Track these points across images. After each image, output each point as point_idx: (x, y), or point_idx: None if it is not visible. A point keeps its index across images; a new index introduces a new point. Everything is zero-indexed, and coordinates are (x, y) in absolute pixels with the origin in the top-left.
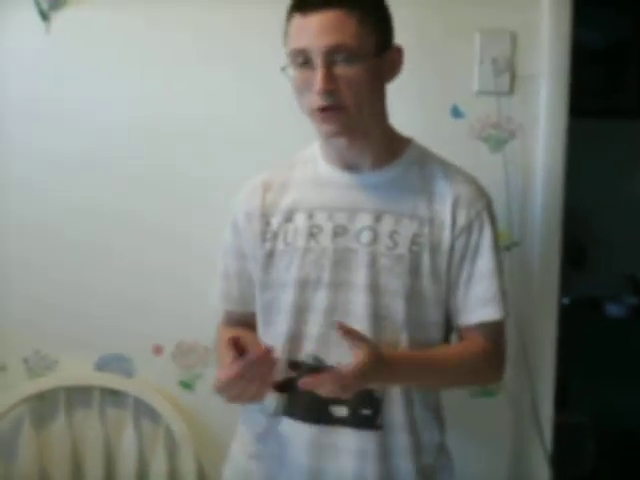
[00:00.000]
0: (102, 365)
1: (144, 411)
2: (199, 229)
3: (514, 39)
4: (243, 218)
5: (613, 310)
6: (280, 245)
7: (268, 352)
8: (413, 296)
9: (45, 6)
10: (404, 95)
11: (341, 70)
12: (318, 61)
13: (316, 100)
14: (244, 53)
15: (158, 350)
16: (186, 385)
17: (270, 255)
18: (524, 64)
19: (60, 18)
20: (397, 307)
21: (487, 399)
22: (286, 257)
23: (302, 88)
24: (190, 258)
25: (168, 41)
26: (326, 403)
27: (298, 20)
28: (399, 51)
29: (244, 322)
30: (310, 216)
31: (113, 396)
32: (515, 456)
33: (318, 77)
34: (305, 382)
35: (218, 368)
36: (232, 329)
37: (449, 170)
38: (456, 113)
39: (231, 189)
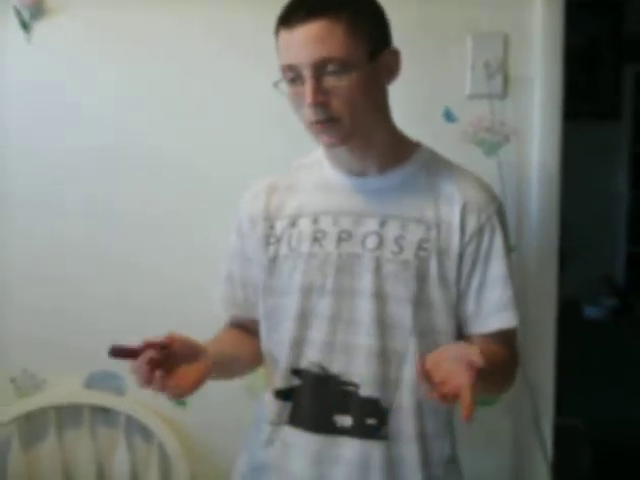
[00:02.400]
0: (92, 383)
1: (136, 429)
2: (194, 241)
3: (506, 42)
4: (247, 222)
5: (592, 312)
6: (284, 250)
7: (169, 342)
8: (420, 303)
9: (26, 16)
10: (396, 99)
11: (331, 82)
12: (307, 74)
13: (309, 114)
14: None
15: None
16: (180, 402)
17: (274, 260)
18: (517, 67)
19: (41, 28)
20: (404, 314)
21: (486, 407)
22: (290, 262)
23: (296, 103)
24: (185, 270)
25: (149, 47)
26: (330, 412)
27: (284, 35)
28: (395, 53)
29: (247, 327)
30: (315, 221)
31: (104, 414)
32: (515, 463)
33: (307, 90)
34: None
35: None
36: (226, 330)
37: (458, 174)
38: (449, 117)
39: (231, 192)
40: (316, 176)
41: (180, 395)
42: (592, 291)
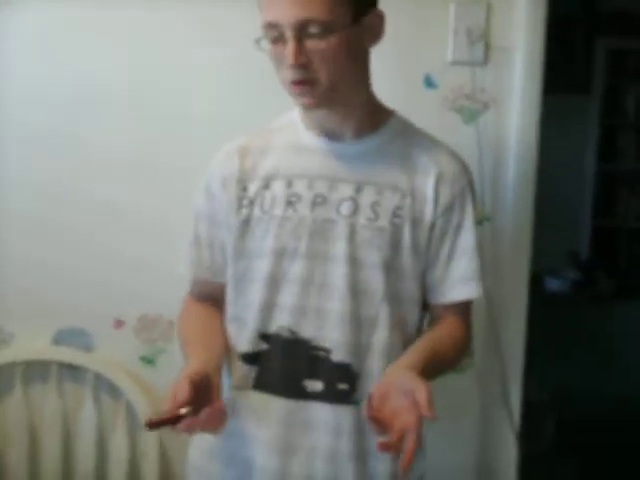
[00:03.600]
0: (60, 339)
1: (104, 387)
2: (163, 204)
3: (489, 10)
4: (218, 184)
5: (553, 284)
6: (257, 212)
7: (219, 409)
8: (393, 270)
9: None
10: (376, 64)
11: (313, 44)
12: (289, 34)
13: (289, 74)
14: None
15: (119, 324)
16: (148, 360)
17: (246, 222)
18: (499, 35)
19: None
20: (376, 280)
21: (456, 375)
22: (262, 225)
23: (277, 62)
24: (152, 230)
25: (116, 30)
26: (300, 377)
27: None
28: (380, 16)
29: (212, 294)
30: (289, 184)
31: (72, 371)
32: (483, 432)
33: (289, 51)
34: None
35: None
36: (196, 309)
37: (432, 144)
38: (429, 83)
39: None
40: (290, 138)
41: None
42: (556, 265)
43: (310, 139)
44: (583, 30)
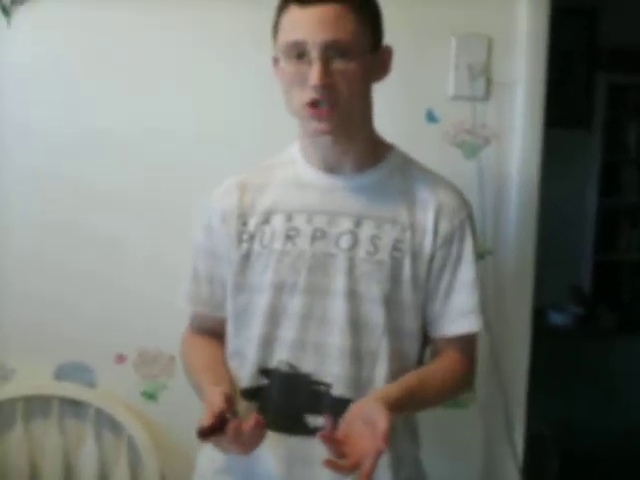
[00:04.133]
0: (62, 374)
1: (105, 422)
2: (164, 239)
3: (490, 44)
4: (218, 218)
5: (556, 319)
6: (257, 247)
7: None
8: (393, 303)
9: (7, 0)
10: (378, 98)
11: (337, 65)
12: (314, 55)
13: (309, 94)
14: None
15: (121, 359)
16: (149, 396)
17: (246, 257)
18: (500, 70)
19: (22, 12)
20: (377, 314)
21: (459, 410)
22: (262, 260)
23: (294, 82)
24: (153, 265)
25: (131, 36)
26: (301, 412)
27: (295, 12)
28: (389, 51)
29: (212, 328)
30: (288, 218)
31: (73, 406)
32: (486, 468)
33: (315, 71)
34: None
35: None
36: (200, 342)
37: (432, 178)
38: (431, 118)
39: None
40: (289, 173)
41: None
42: (559, 298)
43: (310, 173)
44: (583, 65)
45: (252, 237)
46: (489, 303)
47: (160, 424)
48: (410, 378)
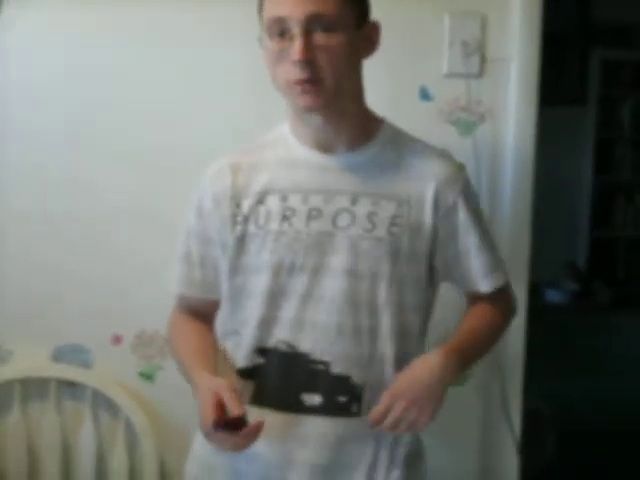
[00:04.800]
0: (59, 356)
1: (103, 403)
2: (163, 217)
3: (484, 22)
4: (210, 201)
5: (553, 296)
6: (252, 228)
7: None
8: (393, 279)
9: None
10: (372, 75)
11: (320, 39)
12: (296, 30)
13: (293, 72)
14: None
15: (117, 340)
16: (146, 376)
17: (241, 239)
18: (494, 47)
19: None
20: (376, 291)
21: (456, 388)
22: (258, 240)
23: (277, 59)
24: (153, 245)
25: (118, 31)
26: (297, 391)
27: None
28: (376, 27)
29: (200, 310)
30: (283, 198)
31: (70, 388)
32: (484, 444)
33: (296, 46)
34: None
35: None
36: (190, 325)
37: (425, 149)
38: (425, 95)
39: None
40: (282, 152)
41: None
42: (554, 275)
43: (303, 153)
44: (578, 42)
45: (246, 219)
46: None
47: (157, 405)
48: (466, 324)
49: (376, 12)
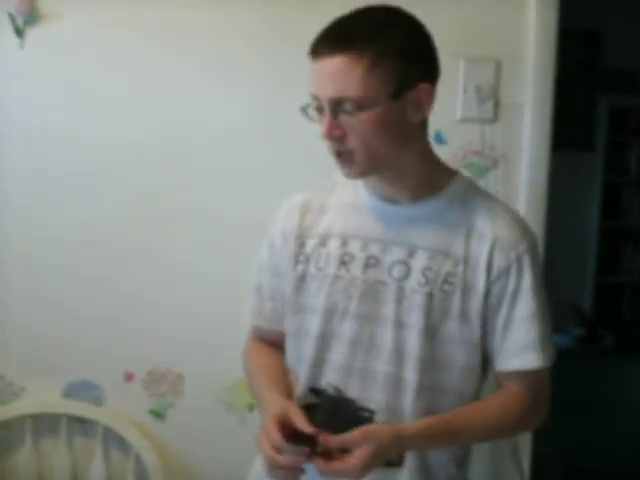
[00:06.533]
0: (70, 392)
1: (113, 440)
2: (182, 253)
3: (498, 67)
4: (280, 237)
5: (557, 340)
6: (312, 269)
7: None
8: (438, 336)
9: (20, 22)
10: None
11: (345, 119)
12: (325, 108)
13: (328, 145)
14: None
15: (129, 377)
16: (157, 414)
17: (302, 278)
18: (508, 93)
19: (34, 34)
20: (422, 345)
21: None
22: (316, 282)
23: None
24: (169, 282)
25: (141, 55)
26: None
27: (312, 64)
28: (427, 89)
29: (272, 340)
30: (344, 243)
31: (81, 424)
32: None
33: (323, 124)
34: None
35: (263, 444)
36: (262, 352)
37: (492, 207)
38: (439, 139)
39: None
40: (349, 197)
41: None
42: (560, 320)
43: (368, 200)
44: (585, 87)
45: (308, 259)
46: None
47: (167, 443)
48: (437, 417)
49: None
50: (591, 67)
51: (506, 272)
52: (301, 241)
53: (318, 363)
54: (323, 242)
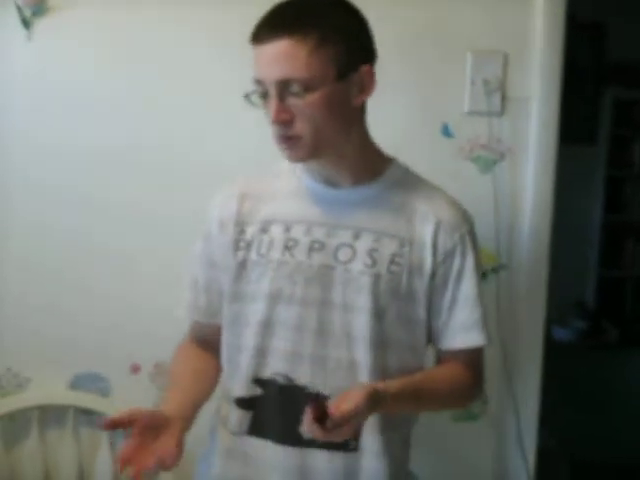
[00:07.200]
0: (77, 384)
1: (120, 432)
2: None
3: (506, 60)
4: (216, 225)
5: (560, 334)
6: (253, 256)
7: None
8: (387, 317)
9: (27, 13)
10: (394, 113)
11: (293, 101)
12: (272, 92)
13: (274, 129)
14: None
15: (135, 369)
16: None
17: (242, 265)
18: (515, 86)
19: (42, 25)
20: (371, 327)
21: (470, 423)
22: (258, 268)
23: (266, 116)
24: (173, 275)
25: (147, 47)
26: (295, 424)
27: (255, 50)
28: (369, 71)
29: (208, 337)
30: (287, 229)
31: (88, 416)
32: (498, 479)
33: (271, 109)
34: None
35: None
36: (189, 352)
37: (432, 192)
38: (446, 132)
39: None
40: (290, 183)
41: (169, 463)
42: (563, 314)
43: (310, 185)
44: (590, 80)
45: (249, 245)
46: (502, 317)
47: None
48: (416, 375)
49: (399, 50)
50: (596, 60)
51: (451, 253)
52: (241, 228)
53: (261, 352)
54: (264, 228)
